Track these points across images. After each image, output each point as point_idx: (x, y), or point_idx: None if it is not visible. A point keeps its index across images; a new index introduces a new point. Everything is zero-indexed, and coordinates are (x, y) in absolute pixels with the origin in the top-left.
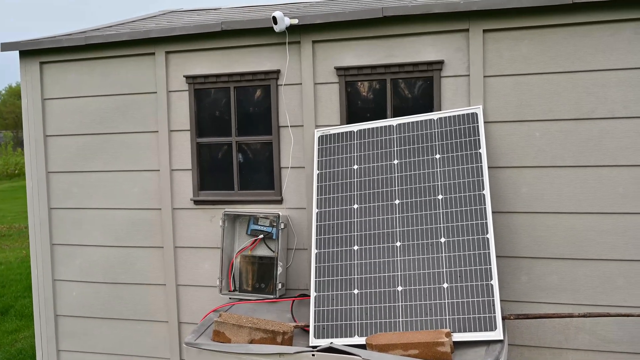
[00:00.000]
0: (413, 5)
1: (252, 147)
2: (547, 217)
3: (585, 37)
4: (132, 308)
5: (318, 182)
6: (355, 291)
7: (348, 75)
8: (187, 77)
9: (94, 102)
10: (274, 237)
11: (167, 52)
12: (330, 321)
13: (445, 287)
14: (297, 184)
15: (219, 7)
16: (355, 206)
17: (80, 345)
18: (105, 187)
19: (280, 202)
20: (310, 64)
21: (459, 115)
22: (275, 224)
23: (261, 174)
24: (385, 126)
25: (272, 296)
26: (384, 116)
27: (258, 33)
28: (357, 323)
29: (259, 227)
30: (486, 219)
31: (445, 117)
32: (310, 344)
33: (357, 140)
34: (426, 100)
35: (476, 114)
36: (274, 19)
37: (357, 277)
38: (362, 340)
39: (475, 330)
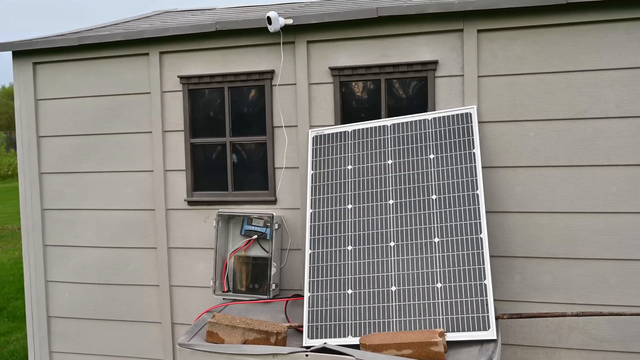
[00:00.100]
0: (407, 6)
1: (246, 148)
2: (541, 216)
3: (578, 37)
4: (125, 309)
5: (312, 183)
6: (349, 291)
7: (342, 76)
8: (181, 77)
9: (88, 102)
10: (267, 237)
11: (161, 53)
12: (324, 321)
13: (439, 286)
14: (291, 184)
15: (214, 7)
16: (350, 206)
17: (73, 346)
18: (99, 188)
19: (274, 202)
20: (304, 64)
21: (453, 116)
22: (269, 225)
23: (255, 174)
24: (379, 126)
25: (265, 297)
26: (378, 116)
27: (252, 33)
28: (351, 323)
29: (252, 228)
30: (480, 219)
31: (439, 117)
32: (304, 345)
33: (351, 140)
34: (420, 101)
35: (470, 114)
36: (269, 19)
37: (351, 277)
38: (355, 341)
39: (468, 330)
